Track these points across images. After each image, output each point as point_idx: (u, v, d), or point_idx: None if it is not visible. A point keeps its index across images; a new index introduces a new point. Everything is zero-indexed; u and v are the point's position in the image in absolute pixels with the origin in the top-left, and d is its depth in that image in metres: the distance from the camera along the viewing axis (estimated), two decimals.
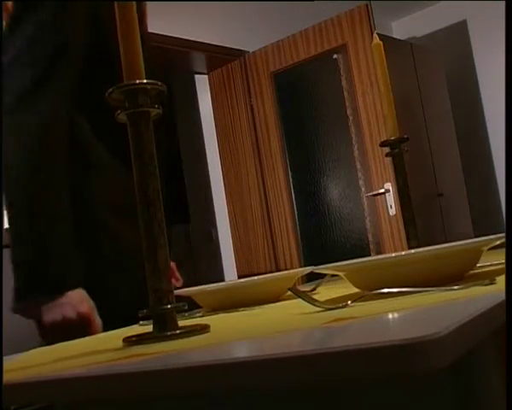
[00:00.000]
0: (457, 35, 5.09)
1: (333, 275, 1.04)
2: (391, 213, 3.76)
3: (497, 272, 0.81)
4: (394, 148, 1.35)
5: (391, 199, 3.75)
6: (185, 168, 5.03)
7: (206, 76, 4.44)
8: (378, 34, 1.42)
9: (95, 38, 1.24)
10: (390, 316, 0.59)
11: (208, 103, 4.45)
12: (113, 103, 0.72)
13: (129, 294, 1.23)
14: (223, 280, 4.17)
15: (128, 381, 0.51)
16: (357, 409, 0.59)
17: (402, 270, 0.78)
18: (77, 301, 1.15)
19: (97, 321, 1.17)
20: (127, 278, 1.25)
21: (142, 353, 0.60)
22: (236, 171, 4.31)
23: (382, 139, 1.41)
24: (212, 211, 4.59)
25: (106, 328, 1.14)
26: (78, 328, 1.14)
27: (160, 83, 0.71)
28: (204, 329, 0.69)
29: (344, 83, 3.93)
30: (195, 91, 4.61)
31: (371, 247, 3.86)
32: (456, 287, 0.69)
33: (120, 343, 0.70)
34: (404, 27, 5.29)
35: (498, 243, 0.81)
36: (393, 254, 0.80)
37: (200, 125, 4.62)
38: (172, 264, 1.43)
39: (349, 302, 0.71)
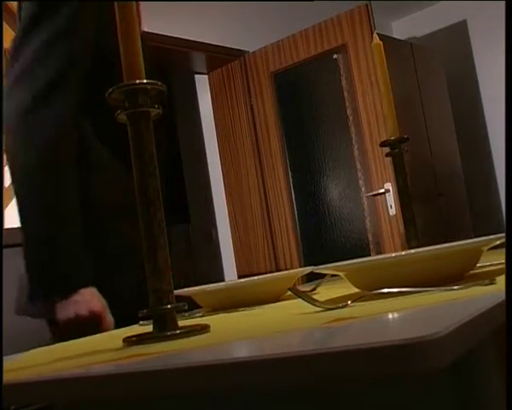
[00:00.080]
0: (457, 35, 5.09)
1: (333, 275, 1.04)
2: (391, 213, 3.76)
3: (497, 272, 0.81)
4: (394, 148, 1.35)
5: (391, 199, 3.75)
6: (185, 168, 5.03)
7: (206, 76, 4.44)
8: (378, 34, 1.42)
9: (100, 42, 1.26)
10: (390, 316, 0.59)
11: (208, 103, 4.45)
12: (113, 103, 0.72)
13: (136, 293, 1.23)
14: (223, 280, 4.17)
15: (128, 381, 0.51)
16: (357, 409, 0.59)
17: (402, 270, 0.78)
18: (89, 298, 1.18)
19: (109, 318, 1.20)
20: (134, 277, 1.26)
21: (142, 353, 0.60)
22: (236, 171, 4.31)
23: (382, 139, 1.41)
24: (212, 211, 4.59)
25: (117, 326, 1.17)
26: (90, 325, 1.17)
27: (160, 83, 0.71)
28: (204, 329, 0.69)
29: (344, 83, 3.93)
30: (195, 91, 4.61)
31: (371, 247, 3.86)
32: (456, 287, 0.69)
33: (120, 343, 0.70)
34: (404, 27, 5.29)
35: (498, 242, 0.81)
36: (393, 254, 0.80)
37: (200, 125, 4.62)
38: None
39: (349, 302, 0.71)
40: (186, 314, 1.02)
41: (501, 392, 0.54)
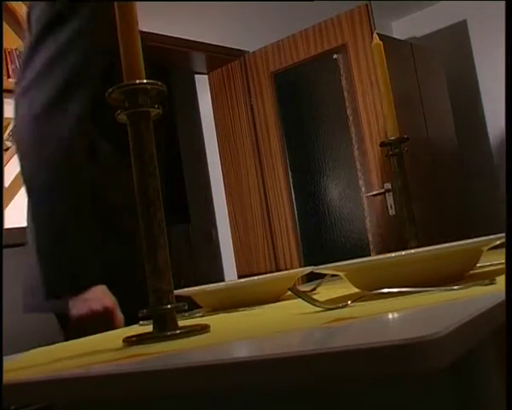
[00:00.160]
0: (457, 35, 5.09)
1: (333, 275, 1.04)
2: (391, 213, 3.76)
3: (497, 272, 0.81)
4: (394, 148, 1.35)
5: (391, 199, 3.75)
6: (185, 168, 5.03)
7: (206, 76, 4.44)
8: (378, 34, 1.42)
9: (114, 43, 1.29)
10: (390, 316, 0.60)
11: (208, 103, 4.45)
12: (113, 103, 0.72)
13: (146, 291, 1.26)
14: (223, 280, 4.16)
15: (128, 381, 0.51)
16: (357, 409, 0.59)
17: (402, 270, 0.78)
18: (101, 296, 1.21)
19: (120, 316, 1.23)
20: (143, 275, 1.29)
21: (142, 353, 0.60)
22: (236, 171, 4.31)
23: (382, 139, 1.41)
24: (212, 211, 4.59)
25: (127, 324, 1.19)
26: (103, 322, 1.20)
27: (160, 83, 0.71)
28: (204, 329, 0.69)
29: (344, 83, 3.93)
30: (195, 91, 4.61)
31: (371, 247, 3.86)
32: (456, 287, 0.69)
33: (120, 343, 0.70)
34: (404, 27, 5.29)
35: (498, 243, 0.81)
36: (393, 254, 0.80)
37: (200, 125, 4.62)
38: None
39: (349, 302, 0.71)
40: (186, 314, 1.02)
41: (501, 392, 0.54)
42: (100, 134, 1.32)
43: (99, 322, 1.19)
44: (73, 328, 1.22)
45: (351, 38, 3.86)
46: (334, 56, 3.95)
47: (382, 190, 3.77)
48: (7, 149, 3.05)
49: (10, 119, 3.10)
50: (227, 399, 0.62)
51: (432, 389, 0.55)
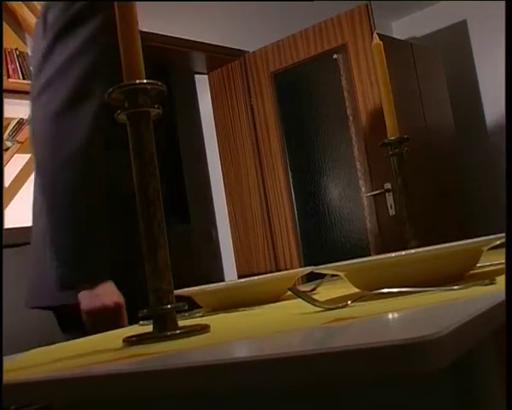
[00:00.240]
0: (457, 35, 5.09)
1: (333, 275, 1.04)
2: (391, 213, 3.76)
3: (497, 272, 0.81)
4: (394, 148, 1.35)
5: (391, 199, 3.75)
6: (185, 168, 5.03)
7: (206, 76, 4.44)
8: (378, 34, 1.42)
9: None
10: (390, 316, 0.59)
11: (208, 103, 4.45)
12: (113, 103, 0.72)
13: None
14: (223, 280, 4.16)
15: (128, 381, 0.51)
16: (357, 409, 0.59)
17: (402, 270, 0.78)
18: (111, 291, 1.24)
19: (125, 315, 1.25)
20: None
21: (142, 353, 0.60)
22: (236, 171, 4.31)
23: (382, 139, 1.41)
24: (212, 211, 4.59)
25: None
26: (113, 318, 1.23)
27: (160, 83, 0.71)
28: (204, 329, 0.69)
29: (344, 83, 3.93)
30: (195, 91, 4.61)
31: (371, 247, 3.86)
32: (456, 287, 0.69)
33: (120, 343, 0.70)
34: (404, 27, 5.29)
35: (498, 243, 0.81)
36: (393, 254, 0.80)
37: (200, 125, 4.62)
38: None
39: (349, 302, 0.71)
40: (186, 314, 1.02)
41: (501, 392, 0.54)
42: (115, 130, 1.35)
43: (109, 318, 1.22)
44: (87, 321, 1.25)
45: (351, 38, 3.86)
46: (334, 56, 3.95)
47: (382, 190, 3.77)
48: (7, 149, 3.05)
49: (10, 119, 3.10)
50: (227, 399, 0.62)
51: (432, 389, 0.55)
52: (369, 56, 3.72)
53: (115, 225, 1.30)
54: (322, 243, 4.08)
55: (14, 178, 3.12)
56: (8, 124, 3.09)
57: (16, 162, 3.11)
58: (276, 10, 4.32)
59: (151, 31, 3.45)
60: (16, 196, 3.10)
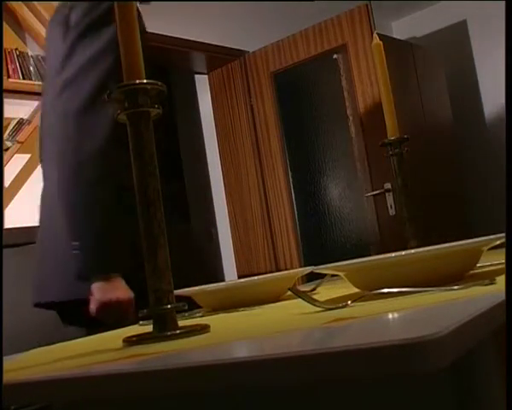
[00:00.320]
0: (457, 35, 5.09)
1: (333, 275, 1.04)
2: (391, 213, 3.76)
3: (497, 272, 0.81)
4: (394, 148, 1.35)
5: (391, 199, 3.75)
6: (185, 168, 5.03)
7: (206, 76, 4.44)
8: (378, 34, 1.42)
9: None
10: (390, 316, 0.60)
11: (208, 103, 4.45)
12: (113, 103, 0.72)
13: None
14: (223, 280, 4.16)
15: (128, 381, 0.51)
16: (357, 409, 0.59)
17: (402, 270, 0.78)
18: (122, 286, 1.27)
19: (134, 310, 1.28)
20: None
21: (142, 353, 0.60)
22: (236, 171, 4.31)
23: (382, 139, 1.41)
24: (212, 211, 4.59)
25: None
26: (124, 311, 1.26)
27: (160, 83, 0.71)
28: (204, 329, 0.69)
29: (344, 83, 3.93)
30: (195, 91, 4.61)
31: (371, 247, 3.86)
32: (456, 287, 0.69)
33: (120, 343, 0.70)
34: (404, 27, 5.29)
35: (498, 242, 0.81)
36: (393, 254, 0.80)
37: (200, 125, 4.62)
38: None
39: (349, 302, 0.71)
40: (186, 314, 1.02)
41: (501, 392, 0.54)
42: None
43: (121, 311, 1.26)
44: (101, 313, 1.28)
45: (351, 38, 3.86)
46: (334, 56, 3.95)
47: (382, 190, 3.77)
48: (7, 149, 3.05)
49: (10, 119, 3.10)
50: (227, 399, 0.62)
51: (432, 389, 0.55)
52: (369, 56, 3.72)
53: (129, 222, 1.34)
54: (322, 243, 4.08)
55: (14, 178, 3.12)
56: (8, 124, 3.09)
57: (16, 162, 3.11)
58: (276, 10, 4.32)
59: (151, 31, 3.45)
60: (16, 196, 3.10)
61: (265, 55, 4.17)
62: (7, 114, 3.08)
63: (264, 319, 0.79)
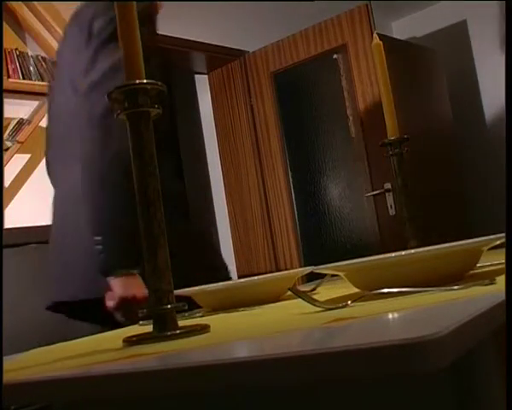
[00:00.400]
0: (457, 35, 5.09)
1: (333, 275, 1.04)
2: (391, 213, 3.76)
3: (497, 272, 0.81)
4: (394, 148, 1.35)
5: (391, 199, 3.75)
6: (185, 168, 5.03)
7: (206, 76, 4.44)
8: (378, 34, 1.42)
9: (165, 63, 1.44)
10: (390, 316, 0.60)
11: (208, 103, 4.45)
12: (113, 103, 0.72)
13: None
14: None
15: (128, 381, 0.51)
16: (357, 409, 0.59)
17: (402, 270, 0.78)
18: (140, 283, 1.30)
19: None
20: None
21: (142, 353, 0.60)
22: (236, 171, 4.31)
23: (382, 139, 1.41)
24: (212, 211, 4.59)
25: None
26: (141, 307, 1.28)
27: (159, 83, 0.71)
28: (204, 329, 0.69)
29: (344, 83, 3.93)
30: (195, 91, 4.61)
31: (371, 247, 3.86)
32: (456, 287, 0.69)
33: (120, 343, 0.70)
34: (404, 27, 5.29)
35: (498, 242, 0.81)
36: (393, 254, 0.80)
37: (200, 125, 4.62)
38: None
39: (349, 302, 0.71)
40: (186, 314, 1.02)
41: (501, 392, 0.54)
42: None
43: (139, 308, 1.29)
44: (114, 310, 1.31)
45: (351, 38, 3.86)
46: (334, 56, 3.95)
47: (382, 190, 3.77)
48: (7, 149, 3.05)
49: (10, 119, 3.10)
50: (227, 399, 0.62)
51: (432, 389, 0.55)
52: (369, 56, 3.72)
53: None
54: (322, 243, 4.08)
55: (14, 178, 3.12)
56: (8, 124, 3.09)
57: (16, 162, 3.11)
58: (276, 10, 4.32)
59: None
60: (16, 196, 3.10)
61: (265, 55, 4.17)
62: (7, 114, 3.08)
63: (264, 319, 0.79)
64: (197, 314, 1.02)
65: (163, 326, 0.67)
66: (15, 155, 3.08)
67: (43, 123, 3.15)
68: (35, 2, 3.20)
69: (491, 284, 0.69)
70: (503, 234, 0.76)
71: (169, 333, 0.67)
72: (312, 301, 0.72)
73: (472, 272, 0.88)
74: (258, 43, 4.18)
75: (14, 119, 3.11)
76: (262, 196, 4.21)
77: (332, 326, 0.58)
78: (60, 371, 0.58)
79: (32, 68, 3.14)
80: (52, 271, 1.49)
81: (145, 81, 0.70)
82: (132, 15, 0.72)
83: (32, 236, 2.53)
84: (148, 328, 0.70)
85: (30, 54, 3.19)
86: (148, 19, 1.51)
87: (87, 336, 1.00)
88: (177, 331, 0.67)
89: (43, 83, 3.11)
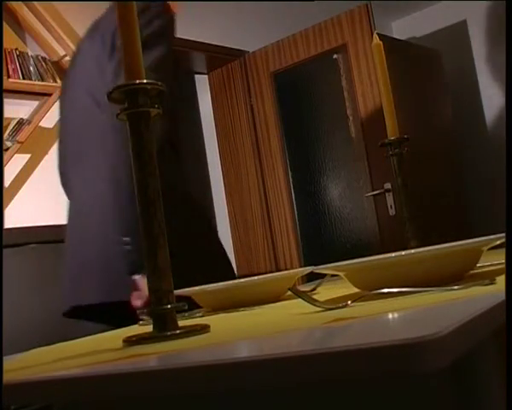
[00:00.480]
0: (457, 35, 5.09)
1: (333, 275, 1.03)
2: (391, 213, 3.76)
3: (497, 272, 0.81)
4: (394, 148, 1.35)
5: (391, 199, 3.75)
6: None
7: (206, 76, 4.44)
8: (378, 34, 1.42)
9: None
10: (390, 316, 0.60)
11: (208, 103, 4.45)
12: (113, 103, 0.72)
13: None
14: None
15: (128, 381, 0.51)
16: (357, 409, 0.59)
17: (402, 270, 0.78)
18: None
19: None
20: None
21: (142, 353, 0.60)
22: (236, 171, 4.31)
23: (382, 139, 1.41)
24: (212, 211, 4.59)
25: None
26: None
27: (159, 83, 0.71)
28: (204, 329, 0.69)
29: (344, 83, 3.93)
30: (195, 91, 4.61)
31: (371, 247, 3.86)
32: (456, 287, 0.69)
33: (120, 343, 0.70)
34: (404, 27, 5.29)
35: (498, 242, 0.81)
36: (393, 254, 0.80)
37: (200, 125, 4.62)
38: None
39: (349, 302, 0.71)
40: (186, 314, 1.02)
41: (501, 392, 0.54)
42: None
43: None
44: (143, 308, 1.31)
45: (351, 38, 3.86)
46: (334, 56, 3.95)
47: (382, 190, 3.77)
48: (7, 149, 3.05)
49: (10, 119, 3.10)
50: (227, 399, 0.62)
51: (432, 389, 0.55)
52: (369, 56, 3.72)
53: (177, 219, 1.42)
54: (322, 243, 4.08)
55: (14, 178, 3.12)
56: (8, 124, 3.09)
57: (16, 162, 3.11)
58: (276, 10, 4.32)
59: None
60: (16, 196, 3.10)
61: (265, 55, 4.17)
62: (7, 114, 3.08)
63: (264, 319, 0.79)
64: (197, 314, 1.02)
65: (163, 326, 0.67)
66: (15, 155, 3.08)
67: (43, 123, 3.16)
68: (35, 2, 3.20)
69: (491, 284, 0.69)
70: (503, 234, 0.76)
71: (169, 333, 0.67)
72: (312, 301, 0.72)
73: (472, 272, 0.88)
74: (258, 43, 4.18)
75: (14, 119, 3.10)
76: (262, 196, 4.21)
77: (332, 326, 0.58)
78: (60, 371, 0.58)
79: (32, 68, 3.14)
80: (69, 277, 1.51)
81: (145, 81, 0.70)
82: (132, 15, 0.72)
83: (31, 236, 2.53)
84: (148, 328, 0.70)
85: (30, 54, 3.19)
86: (170, 32, 1.52)
87: (87, 336, 1.00)
88: (177, 331, 0.67)
89: (43, 83, 3.11)
